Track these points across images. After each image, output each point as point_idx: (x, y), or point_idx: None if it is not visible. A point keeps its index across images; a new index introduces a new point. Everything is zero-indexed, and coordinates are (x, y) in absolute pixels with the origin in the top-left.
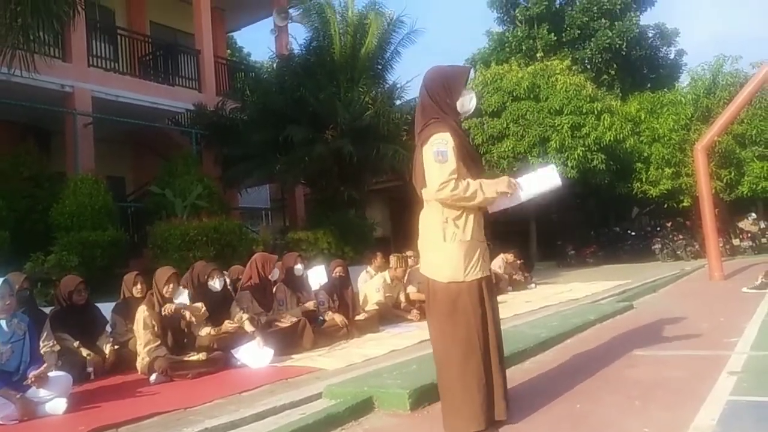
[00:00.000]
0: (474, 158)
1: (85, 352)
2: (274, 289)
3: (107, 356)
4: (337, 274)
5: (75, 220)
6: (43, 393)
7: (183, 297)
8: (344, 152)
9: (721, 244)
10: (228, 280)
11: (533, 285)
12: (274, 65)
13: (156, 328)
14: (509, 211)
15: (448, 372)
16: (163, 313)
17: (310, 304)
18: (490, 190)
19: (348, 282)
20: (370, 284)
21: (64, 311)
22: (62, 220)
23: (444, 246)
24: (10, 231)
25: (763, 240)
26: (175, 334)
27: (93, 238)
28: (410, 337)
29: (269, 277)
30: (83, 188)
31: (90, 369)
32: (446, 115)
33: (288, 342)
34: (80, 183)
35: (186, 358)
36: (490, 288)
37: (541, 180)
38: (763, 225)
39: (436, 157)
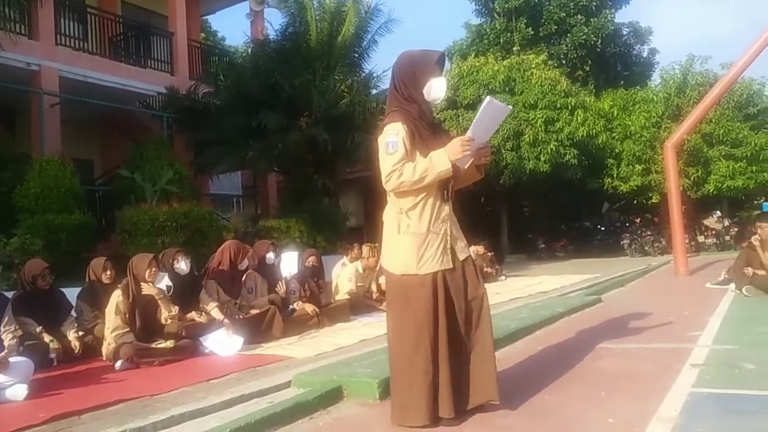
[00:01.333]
0: (436, 146)
1: (48, 338)
2: (243, 277)
3: (71, 342)
4: (311, 263)
5: (40, 203)
6: (2, 379)
7: (164, 282)
8: (319, 140)
9: (686, 241)
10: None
11: (503, 277)
12: (249, 50)
13: (127, 316)
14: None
15: (397, 364)
16: (143, 292)
17: (280, 291)
18: (441, 161)
19: (321, 272)
20: (342, 274)
21: (28, 295)
22: (26, 202)
23: (398, 238)
24: None
25: (727, 237)
26: (145, 322)
27: (58, 221)
28: (381, 326)
29: (239, 266)
30: (49, 170)
31: (53, 355)
32: (409, 102)
33: (257, 330)
34: (46, 165)
35: (153, 346)
36: (453, 281)
37: (489, 115)
38: (727, 223)
39: (386, 148)
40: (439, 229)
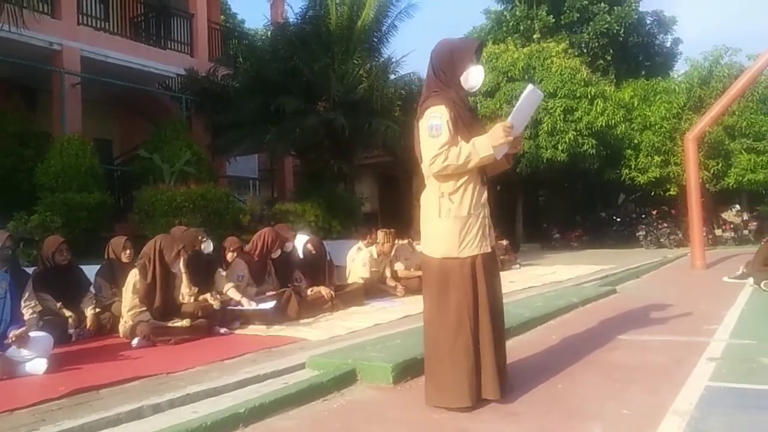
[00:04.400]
0: (476, 131)
1: (67, 313)
2: (268, 266)
3: (89, 319)
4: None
5: (60, 181)
6: (23, 353)
7: (209, 247)
8: (336, 125)
9: (703, 234)
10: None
11: (518, 266)
12: (269, 33)
13: (143, 296)
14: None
15: (437, 348)
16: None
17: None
18: (485, 147)
19: (321, 257)
20: (357, 259)
21: (47, 272)
22: (47, 180)
23: (439, 222)
24: None
25: (745, 231)
26: (162, 301)
27: (78, 200)
28: (395, 311)
29: (272, 254)
30: (69, 149)
31: (72, 331)
32: (448, 88)
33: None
34: (66, 144)
35: (170, 324)
36: (488, 265)
37: (528, 104)
38: (746, 216)
39: (430, 131)
40: (479, 213)
